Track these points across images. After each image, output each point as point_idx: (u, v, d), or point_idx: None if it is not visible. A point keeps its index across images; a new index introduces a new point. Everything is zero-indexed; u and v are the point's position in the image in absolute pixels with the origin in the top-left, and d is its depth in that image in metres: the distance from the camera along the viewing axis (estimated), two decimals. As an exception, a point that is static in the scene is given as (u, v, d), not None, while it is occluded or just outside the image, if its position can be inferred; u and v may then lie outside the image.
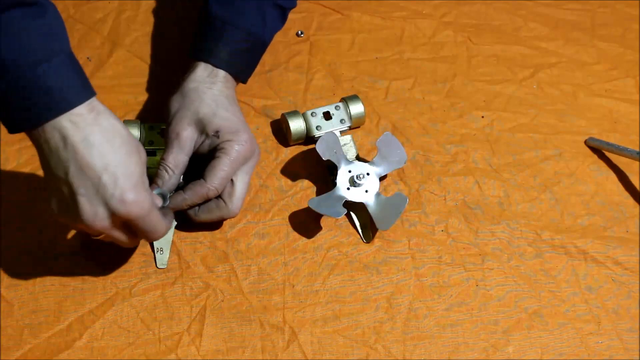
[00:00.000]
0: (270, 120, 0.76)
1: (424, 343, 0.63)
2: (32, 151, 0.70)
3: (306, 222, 0.69)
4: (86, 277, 0.64)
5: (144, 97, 0.76)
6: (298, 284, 0.65)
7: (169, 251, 0.65)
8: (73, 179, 0.51)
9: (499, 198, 0.73)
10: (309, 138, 0.73)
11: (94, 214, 0.52)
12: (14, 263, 0.64)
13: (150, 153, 0.66)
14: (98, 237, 0.57)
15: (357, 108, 0.74)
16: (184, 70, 0.68)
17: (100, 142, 0.52)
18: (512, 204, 0.72)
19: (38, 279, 0.63)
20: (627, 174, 0.76)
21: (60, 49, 0.52)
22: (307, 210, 0.67)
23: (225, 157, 0.62)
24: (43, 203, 0.67)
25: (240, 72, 0.70)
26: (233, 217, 0.65)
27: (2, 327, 0.61)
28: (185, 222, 0.65)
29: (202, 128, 0.63)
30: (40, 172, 0.68)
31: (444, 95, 0.80)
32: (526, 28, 0.88)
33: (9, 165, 0.70)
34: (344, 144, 0.72)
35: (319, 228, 0.69)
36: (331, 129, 0.72)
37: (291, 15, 0.77)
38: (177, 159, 0.63)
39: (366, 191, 0.68)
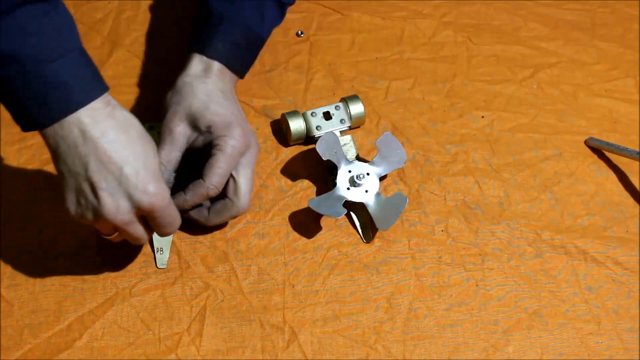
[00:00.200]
0: (270, 120, 0.76)
1: (424, 343, 0.63)
2: (32, 151, 0.70)
3: (306, 222, 0.69)
4: (86, 277, 0.64)
5: (144, 97, 0.76)
6: (298, 284, 0.65)
7: (169, 251, 0.65)
8: (93, 173, 0.51)
9: (499, 198, 0.72)
10: (309, 138, 0.73)
11: (116, 207, 0.52)
12: (14, 263, 0.64)
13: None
14: (110, 237, 0.57)
15: (357, 108, 0.74)
16: (182, 67, 0.68)
17: (119, 135, 0.52)
18: (512, 204, 0.72)
19: (38, 279, 0.63)
20: (627, 174, 0.75)
21: (73, 44, 0.52)
22: (307, 210, 0.67)
23: (220, 154, 0.61)
24: (43, 203, 0.67)
25: (236, 65, 0.69)
26: (245, 212, 0.64)
27: (2, 327, 0.61)
28: (185, 222, 0.65)
29: (194, 124, 0.63)
30: (41, 172, 0.69)
31: (444, 95, 0.80)
32: (526, 28, 0.88)
33: (9, 165, 0.69)
34: (344, 144, 0.72)
35: (319, 228, 0.69)
36: (331, 129, 0.72)
37: (291, 15, 0.77)
38: (169, 155, 0.62)
39: (366, 191, 0.68)
